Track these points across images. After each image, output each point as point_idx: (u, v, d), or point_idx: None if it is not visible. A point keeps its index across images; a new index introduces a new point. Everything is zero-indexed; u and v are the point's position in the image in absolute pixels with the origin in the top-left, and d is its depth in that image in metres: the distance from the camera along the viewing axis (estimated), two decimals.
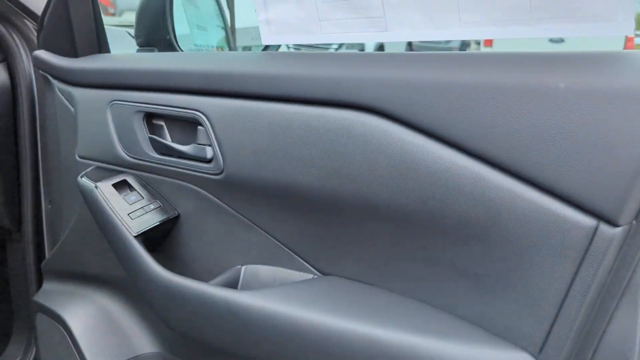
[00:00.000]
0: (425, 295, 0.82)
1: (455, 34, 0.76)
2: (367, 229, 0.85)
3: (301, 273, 0.95)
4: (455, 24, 0.76)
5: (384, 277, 0.86)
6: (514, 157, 0.67)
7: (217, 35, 1.83)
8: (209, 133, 0.97)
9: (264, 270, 0.99)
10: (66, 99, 1.23)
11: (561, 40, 7.93)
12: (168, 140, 1.07)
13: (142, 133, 1.09)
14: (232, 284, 1.00)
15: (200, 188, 1.03)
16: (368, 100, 0.79)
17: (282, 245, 0.96)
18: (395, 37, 0.82)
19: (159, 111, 1.05)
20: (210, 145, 0.98)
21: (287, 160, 0.87)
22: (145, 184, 1.11)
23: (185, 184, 1.05)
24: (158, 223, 1.05)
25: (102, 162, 1.16)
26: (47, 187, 1.45)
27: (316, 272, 0.94)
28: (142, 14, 1.41)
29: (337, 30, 0.89)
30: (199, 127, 0.99)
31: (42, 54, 1.27)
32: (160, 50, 1.38)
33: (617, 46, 7.98)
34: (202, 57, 1.15)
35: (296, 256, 0.95)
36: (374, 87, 0.78)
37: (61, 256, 1.35)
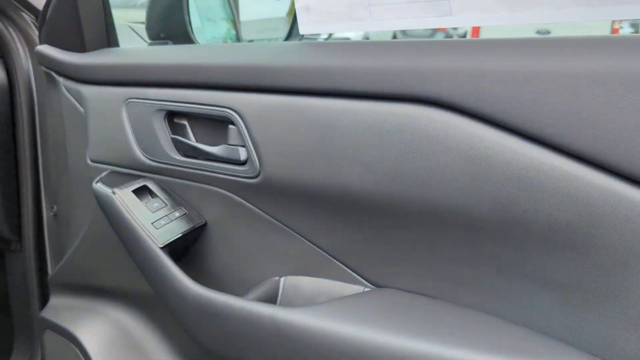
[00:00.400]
0: (498, 309, 0.74)
1: (535, 17, 0.67)
2: (430, 235, 0.76)
3: (350, 285, 0.86)
4: (534, 5, 0.68)
5: (448, 289, 0.77)
6: (616, 153, 0.59)
7: (223, 28, 1.74)
8: (243, 133, 0.88)
9: (307, 282, 0.89)
10: (74, 98, 1.13)
11: (547, 32, 7.92)
12: (193, 141, 0.97)
13: (163, 133, 0.99)
14: (270, 298, 0.91)
15: (231, 193, 0.93)
16: (433, 92, 0.70)
17: (327, 255, 0.87)
18: (460, 22, 0.74)
19: (182, 109, 0.96)
20: (243, 146, 0.89)
21: (335, 162, 0.78)
22: (167, 190, 1.02)
23: (214, 188, 0.95)
24: (185, 232, 0.96)
25: (118, 165, 1.06)
26: (49, 194, 1.34)
27: (367, 283, 0.85)
28: (154, 5, 1.31)
29: (390, 16, 0.80)
30: (230, 127, 0.90)
31: (45, 49, 1.17)
32: (175, 44, 1.29)
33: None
34: (229, 50, 1.06)
35: (344, 266, 0.86)
36: (439, 77, 0.69)
37: (71, 268, 1.25)
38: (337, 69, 0.78)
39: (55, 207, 1.34)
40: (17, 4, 1.31)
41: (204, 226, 1.00)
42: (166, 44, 1.29)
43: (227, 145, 0.91)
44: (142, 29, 1.42)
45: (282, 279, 0.91)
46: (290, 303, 0.89)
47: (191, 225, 0.97)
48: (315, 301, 0.87)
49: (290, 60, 0.85)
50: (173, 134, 0.99)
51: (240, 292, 0.91)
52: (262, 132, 0.85)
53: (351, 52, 0.82)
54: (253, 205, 0.92)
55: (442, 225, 0.74)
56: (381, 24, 0.81)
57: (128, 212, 0.95)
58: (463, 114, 0.68)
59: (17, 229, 1.40)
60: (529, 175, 0.64)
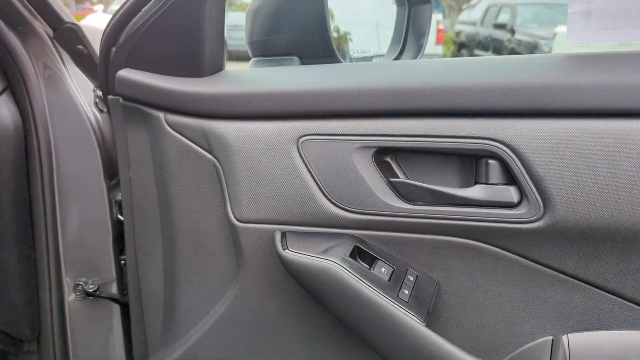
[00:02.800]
0: None
1: None
2: None
3: None
4: None
5: None
6: None
7: None
8: (515, 168, 0.70)
9: (602, 338, 0.72)
10: (190, 139, 0.87)
11: None
12: (422, 183, 0.77)
13: (373, 177, 0.78)
14: None
15: (484, 242, 0.75)
16: None
17: (626, 302, 0.72)
18: None
19: (402, 145, 0.76)
20: (511, 184, 0.71)
21: None
22: (383, 248, 0.80)
23: (456, 239, 0.76)
24: (434, 300, 0.76)
25: (290, 223, 0.83)
26: (74, 265, 1.07)
27: None
28: (263, 13, 1.08)
29: None
30: (490, 162, 0.72)
31: (136, 75, 0.89)
32: (304, 61, 1.06)
33: None
34: (415, 69, 0.87)
35: None
36: None
37: None
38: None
39: (86, 284, 1.07)
40: (36, 14, 1.01)
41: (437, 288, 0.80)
42: (291, 61, 1.06)
43: (486, 185, 0.72)
44: None
45: (564, 337, 0.73)
46: None
47: (432, 290, 0.77)
48: None
49: (568, 78, 0.69)
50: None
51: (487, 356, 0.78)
52: (548, 166, 0.68)
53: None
54: (520, 254, 0.74)
55: None
56: None
57: (367, 287, 0.73)
58: None
59: (37, 323, 1.09)
60: None
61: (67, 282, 1.08)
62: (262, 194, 0.82)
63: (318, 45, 1.04)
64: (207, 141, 0.85)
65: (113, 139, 1.13)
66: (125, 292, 1.12)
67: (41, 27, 1.01)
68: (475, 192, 0.73)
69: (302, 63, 1.07)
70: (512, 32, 9.65)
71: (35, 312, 1.07)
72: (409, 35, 1.27)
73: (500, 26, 9.99)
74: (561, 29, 8.37)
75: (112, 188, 1.10)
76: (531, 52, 8.81)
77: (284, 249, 0.78)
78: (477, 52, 10.72)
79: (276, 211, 0.82)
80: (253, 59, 1.11)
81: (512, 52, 9.31)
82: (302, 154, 0.80)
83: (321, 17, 1.03)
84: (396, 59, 1.28)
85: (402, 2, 1.27)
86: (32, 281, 1.06)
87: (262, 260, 0.85)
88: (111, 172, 1.11)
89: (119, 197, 1.08)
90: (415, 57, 1.26)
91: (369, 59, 1.50)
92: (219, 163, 0.84)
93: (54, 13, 1.01)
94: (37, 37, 1.00)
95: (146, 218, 0.96)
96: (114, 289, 1.12)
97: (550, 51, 8.40)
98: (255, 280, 0.86)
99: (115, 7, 8.10)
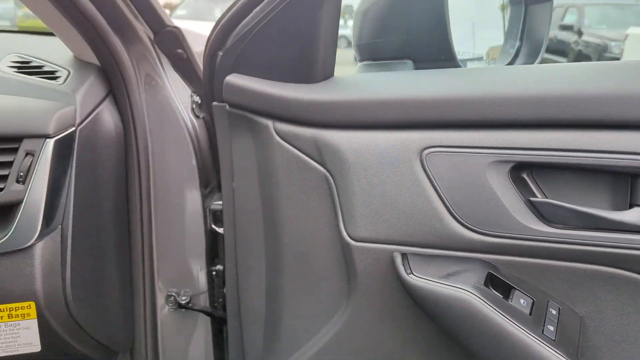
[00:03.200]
0: None
1: None
2: None
3: None
4: None
5: None
6: None
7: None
8: None
9: None
10: (300, 149, 0.80)
11: None
12: (566, 203, 0.66)
13: (509, 195, 0.69)
14: None
15: None
16: None
17: None
18: None
19: (547, 159, 0.67)
20: None
21: None
22: (517, 276, 0.70)
23: (605, 269, 0.67)
24: (581, 338, 0.65)
25: (411, 244, 0.74)
26: (167, 277, 1.01)
27: None
28: (372, 14, 0.99)
29: None
30: None
31: (244, 80, 0.83)
32: (419, 65, 0.97)
33: None
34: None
35: None
36: None
37: None
38: None
39: (178, 295, 1.04)
40: (139, 17, 0.96)
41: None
42: (404, 65, 0.97)
43: None
44: None
45: None
46: None
47: (577, 326, 0.68)
48: None
49: None
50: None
51: None
52: None
53: None
54: None
55: None
56: None
57: (507, 321, 0.64)
58: None
59: (132, 334, 1.04)
60: None
61: (159, 292, 1.04)
62: (379, 211, 0.75)
63: (436, 47, 0.95)
64: (318, 152, 0.78)
65: (208, 147, 1.08)
66: (216, 304, 1.07)
67: (143, 31, 0.96)
68: (634, 215, 0.63)
69: (416, 67, 0.98)
70: (580, 33, 9.22)
71: (129, 322, 1.03)
72: (524, 37, 1.15)
73: (566, 27, 9.57)
74: (634, 30, 7.92)
75: (206, 196, 1.05)
76: (600, 55, 8.38)
77: (407, 273, 0.70)
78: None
79: (395, 230, 0.74)
80: (360, 64, 1.03)
81: (580, 54, 8.90)
82: (427, 168, 0.72)
83: (440, 17, 0.93)
84: (510, 63, 1.17)
85: (518, 1, 1.16)
86: (128, 290, 1.02)
87: (378, 282, 0.77)
88: (206, 180, 1.06)
89: (212, 206, 1.04)
90: (532, 62, 1.14)
91: (464, 63, 1.39)
92: (331, 175, 0.78)
93: (157, 16, 0.96)
94: (140, 41, 0.96)
95: (249, 231, 0.89)
96: (204, 301, 1.07)
97: (621, 53, 7.96)
98: (369, 304, 0.79)
99: (181, 11, 8.21)
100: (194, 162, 1.02)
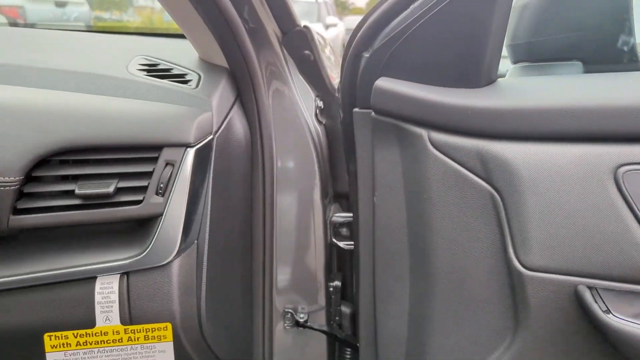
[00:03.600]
0: None
1: None
2: None
3: None
4: None
5: None
6: None
7: None
8: None
9: None
10: (460, 161, 0.70)
11: None
12: None
13: None
14: None
15: None
16: None
17: None
18: None
19: None
20: None
21: None
22: None
23: None
24: None
25: (604, 277, 0.63)
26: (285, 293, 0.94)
27: None
28: (532, 10, 0.87)
29: None
30: None
31: (396, 85, 0.74)
32: (590, 67, 0.84)
33: None
34: None
35: None
36: None
37: None
38: None
39: (295, 311, 0.98)
40: (271, 16, 0.90)
41: None
42: (571, 67, 0.84)
43: None
44: None
45: None
46: None
47: None
48: None
49: None
50: None
51: None
52: None
53: None
54: None
55: None
56: None
57: None
58: None
59: (250, 350, 0.98)
60: None
61: (277, 307, 0.97)
62: (560, 237, 0.64)
63: (614, 47, 0.81)
64: (483, 166, 0.68)
65: (328, 155, 1.01)
66: (332, 322, 0.99)
67: (273, 33, 0.90)
68: None
69: (586, 70, 0.85)
70: None
71: (248, 339, 0.97)
72: None
73: None
74: None
75: (326, 207, 0.98)
76: None
77: (605, 313, 0.58)
78: None
79: (580, 259, 0.63)
80: (515, 66, 0.91)
81: None
82: (624, 189, 0.61)
83: (622, 10, 0.80)
84: None
85: None
86: (248, 305, 0.96)
87: (556, 320, 0.66)
88: (326, 190, 0.99)
89: (333, 218, 0.96)
90: None
91: None
92: (499, 194, 0.67)
93: (290, 15, 0.89)
94: (269, 43, 0.89)
95: (391, 250, 0.81)
96: (321, 318, 0.99)
97: None
98: (543, 344, 0.68)
99: None
100: (316, 171, 0.96)
